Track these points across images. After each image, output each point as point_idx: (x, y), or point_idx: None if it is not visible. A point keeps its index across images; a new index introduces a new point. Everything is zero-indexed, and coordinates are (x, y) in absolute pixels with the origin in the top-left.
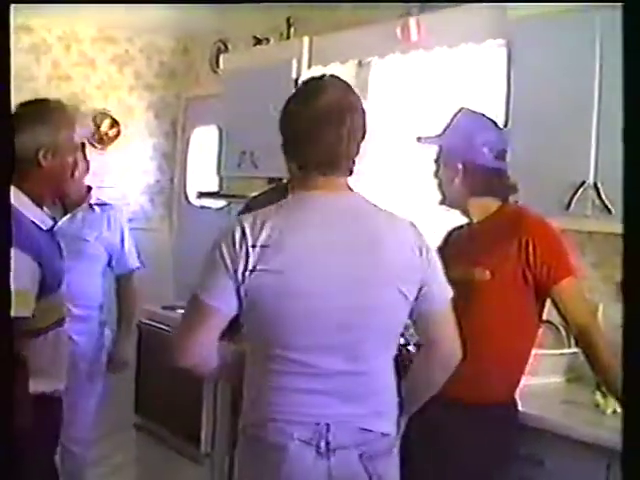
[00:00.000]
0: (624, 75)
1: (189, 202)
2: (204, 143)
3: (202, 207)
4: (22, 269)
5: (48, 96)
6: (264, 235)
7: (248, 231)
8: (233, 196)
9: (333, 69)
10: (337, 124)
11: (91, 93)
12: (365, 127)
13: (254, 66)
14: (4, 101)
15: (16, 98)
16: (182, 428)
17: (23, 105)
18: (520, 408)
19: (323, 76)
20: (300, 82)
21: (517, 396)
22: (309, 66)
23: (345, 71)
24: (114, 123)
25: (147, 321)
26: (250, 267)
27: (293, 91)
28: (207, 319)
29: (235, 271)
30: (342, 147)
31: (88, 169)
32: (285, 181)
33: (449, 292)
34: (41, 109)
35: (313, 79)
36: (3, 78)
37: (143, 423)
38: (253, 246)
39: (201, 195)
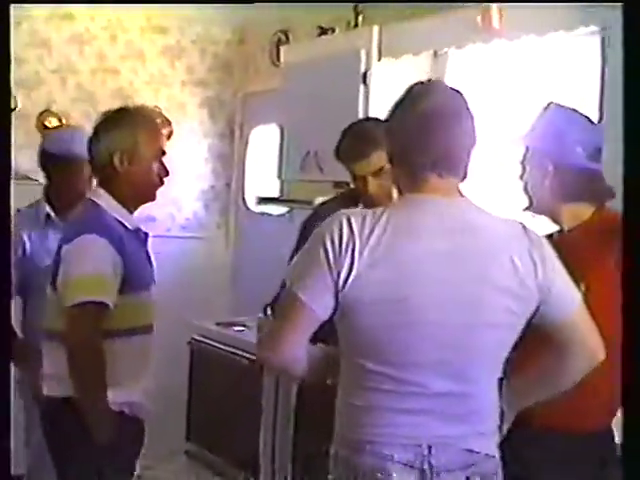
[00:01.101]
0: (624, 75)
1: (247, 208)
2: (264, 144)
3: (262, 214)
4: (101, 254)
5: (93, 91)
6: (374, 237)
7: (357, 230)
8: (296, 202)
9: (405, 61)
10: (448, 126)
11: (140, 88)
12: (475, 133)
13: (318, 58)
14: (4, 100)
15: (59, 93)
16: (238, 456)
17: (105, 114)
18: (617, 440)
19: (429, 80)
20: (407, 88)
21: (613, 426)
22: (379, 58)
23: (419, 63)
24: (166, 122)
25: (200, 338)
26: (355, 271)
27: (400, 96)
28: (302, 319)
29: (338, 273)
30: (457, 148)
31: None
32: (353, 186)
33: (576, 293)
34: (118, 114)
35: (420, 83)
36: (3, 77)
37: (195, 450)
38: (361, 247)
39: (261, 201)
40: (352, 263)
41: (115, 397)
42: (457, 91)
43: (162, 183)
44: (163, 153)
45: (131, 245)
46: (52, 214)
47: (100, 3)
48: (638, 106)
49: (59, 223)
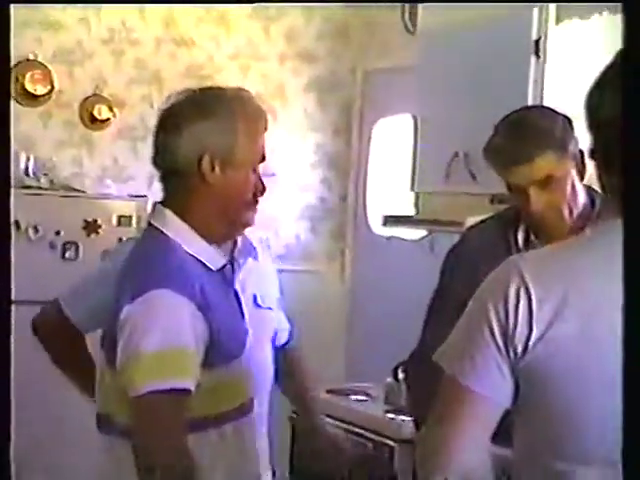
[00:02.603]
0: (624, 75)
1: (371, 231)
2: (393, 141)
3: (390, 238)
4: (179, 319)
5: (158, 69)
6: (559, 283)
7: (531, 280)
8: (438, 222)
9: (595, 23)
10: None
11: (222, 64)
12: None
13: (470, 22)
14: (3, 102)
15: (112, 71)
16: None
17: (185, 94)
18: None
19: None
20: (620, 51)
21: None
22: (558, 20)
23: (616, 24)
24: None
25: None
26: (535, 333)
27: (608, 64)
28: (476, 413)
29: (512, 341)
30: None
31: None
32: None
33: None
34: (206, 97)
35: None
36: (2, 80)
37: None
38: (540, 300)
39: (389, 221)
40: (530, 323)
41: None
42: None
43: (256, 202)
44: (263, 158)
45: (217, 296)
46: None
47: (107, 3)
48: (638, 107)
49: None
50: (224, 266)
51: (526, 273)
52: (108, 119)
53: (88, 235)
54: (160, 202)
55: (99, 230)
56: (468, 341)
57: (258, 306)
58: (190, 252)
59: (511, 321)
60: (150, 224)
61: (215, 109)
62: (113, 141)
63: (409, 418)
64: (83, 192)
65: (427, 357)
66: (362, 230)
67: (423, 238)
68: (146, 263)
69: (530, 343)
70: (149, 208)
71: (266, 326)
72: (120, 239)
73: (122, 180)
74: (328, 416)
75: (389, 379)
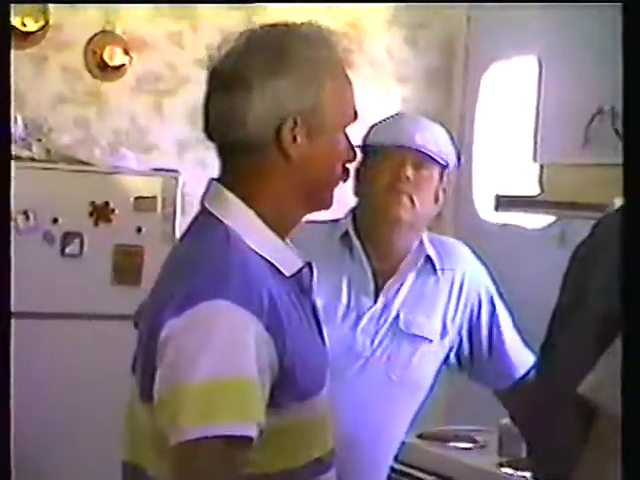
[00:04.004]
0: (624, 75)
1: (478, 216)
2: (510, 95)
3: (505, 225)
4: (238, 340)
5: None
6: None
7: None
8: (570, 205)
9: None
10: None
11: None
12: None
13: None
14: (4, 106)
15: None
16: None
17: (246, 37)
18: None
19: None
20: None
21: None
22: None
23: None
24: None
25: (394, 465)
26: None
27: None
28: None
29: None
30: None
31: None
32: None
33: None
34: (279, 44)
35: None
36: (3, 81)
37: None
38: None
39: (503, 202)
40: None
41: None
42: None
43: (347, 175)
44: (355, 116)
45: (290, 311)
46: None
47: (105, 3)
48: (638, 107)
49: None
50: (300, 270)
51: None
52: (123, 65)
53: (96, 223)
54: (217, 179)
55: (111, 216)
56: None
57: (399, 330)
58: (256, 250)
59: None
60: (204, 209)
61: (293, 58)
62: (130, 95)
63: (531, 474)
64: (90, 165)
65: (551, 391)
66: (467, 215)
67: (551, 226)
68: (199, 263)
69: None
70: (180, 186)
71: (400, 356)
72: (139, 228)
73: (143, 149)
74: (420, 469)
75: (504, 420)
